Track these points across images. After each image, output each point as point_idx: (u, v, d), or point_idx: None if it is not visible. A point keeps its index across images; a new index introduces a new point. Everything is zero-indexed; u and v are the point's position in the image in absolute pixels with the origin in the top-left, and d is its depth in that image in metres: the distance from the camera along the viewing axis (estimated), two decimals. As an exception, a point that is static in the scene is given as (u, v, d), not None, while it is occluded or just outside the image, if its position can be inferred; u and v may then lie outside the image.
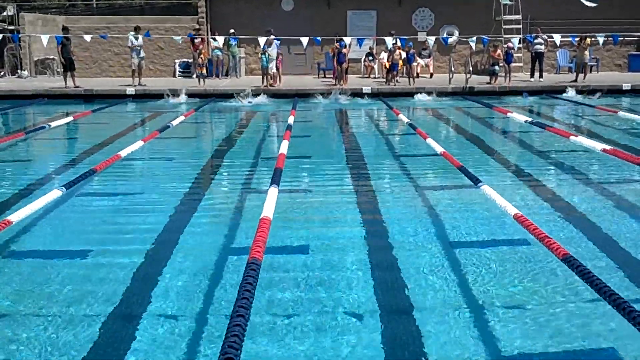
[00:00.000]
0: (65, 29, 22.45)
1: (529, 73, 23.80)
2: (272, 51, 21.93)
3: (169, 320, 4.72)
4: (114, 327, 4.68)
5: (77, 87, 21.42)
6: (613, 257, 5.99)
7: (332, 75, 23.58)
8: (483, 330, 4.56)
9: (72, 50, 21.97)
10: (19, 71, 26.06)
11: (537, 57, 23.29)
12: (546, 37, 22.95)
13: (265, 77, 21.91)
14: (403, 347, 4.36)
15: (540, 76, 23.16)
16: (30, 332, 4.54)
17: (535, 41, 22.99)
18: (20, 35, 25.03)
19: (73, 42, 22.79)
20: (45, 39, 22.47)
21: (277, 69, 22.43)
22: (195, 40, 22.87)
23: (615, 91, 21.13)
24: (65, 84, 21.56)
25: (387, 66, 22.72)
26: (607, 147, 8.59)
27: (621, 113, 14.70)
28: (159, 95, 20.29)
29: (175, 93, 20.18)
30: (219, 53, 24.83)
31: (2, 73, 26.33)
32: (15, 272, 5.72)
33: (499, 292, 5.19)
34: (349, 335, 4.49)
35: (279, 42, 22.36)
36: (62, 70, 21.87)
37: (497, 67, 22.53)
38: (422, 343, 4.36)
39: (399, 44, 22.52)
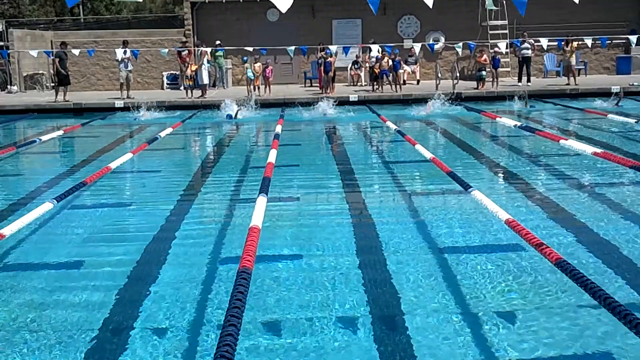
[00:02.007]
0: (63, 44, 22.51)
1: (517, 78, 23.89)
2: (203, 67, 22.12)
3: (160, 331, 4.69)
4: (104, 337, 4.64)
5: (67, 101, 21.43)
6: (606, 260, 5.97)
7: (318, 84, 23.62)
8: (476, 336, 4.54)
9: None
10: (8, 86, 26.02)
11: (525, 62, 23.36)
12: (533, 42, 22.99)
13: (251, 88, 21.95)
14: (394, 354, 4.34)
15: (528, 80, 23.23)
16: (21, 345, 4.50)
17: (522, 46, 23.02)
18: (9, 51, 25.03)
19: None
20: (35, 52, 23.02)
21: (267, 78, 22.45)
22: (182, 53, 22.89)
23: (604, 94, 21.13)
24: (56, 97, 21.58)
25: (377, 72, 22.66)
26: (598, 150, 8.59)
27: (610, 116, 14.74)
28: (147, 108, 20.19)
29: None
30: (207, 64, 24.82)
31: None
32: (7, 285, 5.67)
33: (491, 298, 5.17)
34: (338, 343, 4.47)
35: (265, 51, 22.42)
36: (56, 83, 21.90)
37: (483, 73, 22.59)
38: (414, 350, 4.34)
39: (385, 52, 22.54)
